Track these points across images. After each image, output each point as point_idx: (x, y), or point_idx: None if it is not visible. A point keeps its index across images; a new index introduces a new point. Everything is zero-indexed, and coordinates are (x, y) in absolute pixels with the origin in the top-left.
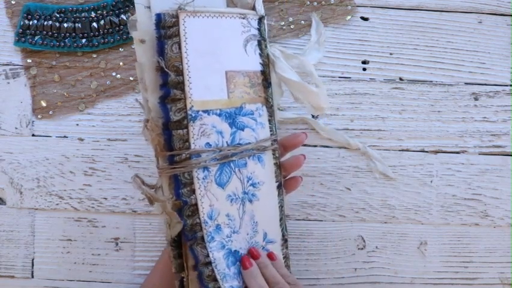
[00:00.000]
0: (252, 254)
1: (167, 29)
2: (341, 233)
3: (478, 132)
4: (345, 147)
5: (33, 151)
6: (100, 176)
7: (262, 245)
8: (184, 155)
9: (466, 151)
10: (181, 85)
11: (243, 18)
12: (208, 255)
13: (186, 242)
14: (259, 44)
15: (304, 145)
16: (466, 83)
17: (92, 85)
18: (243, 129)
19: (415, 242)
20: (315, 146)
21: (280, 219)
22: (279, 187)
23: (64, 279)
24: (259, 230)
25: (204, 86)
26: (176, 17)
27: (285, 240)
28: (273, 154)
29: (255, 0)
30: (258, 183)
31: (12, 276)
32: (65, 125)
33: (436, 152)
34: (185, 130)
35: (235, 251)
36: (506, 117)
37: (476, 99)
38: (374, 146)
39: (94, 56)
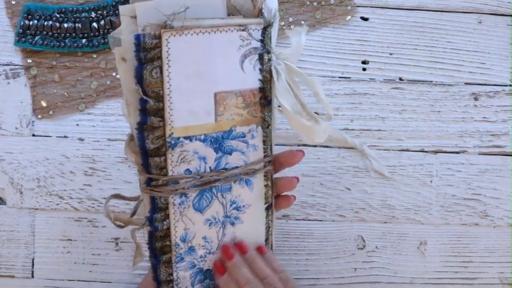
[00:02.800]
0: (239, 247)
1: (148, 52)
2: (341, 233)
3: (477, 132)
4: (345, 147)
5: (33, 151)
6: (100, 176)
7: None
8: (160, 181)
9: (465, 151)
10: (161, 112)
11: (243, 30)
12: (171, 274)
13: (153, 262)
14: (261, 57)
15: (304, 145)
16: (466, 83)
17: (92, 85)
18: (230, 154)
19: (415, 241)
20: (315, 146)
21: (266, 239)
22: (268, 208)
23: (64, 279)
24: None
25: (187, 111)
26: (159, 37)
27: None
28: (265, 176)
29: (262, 5)
30: (244, 206)
31: (13, 276)
32: (65, 125)
33: (436, 152)
34: (162, 158)
35: (208, 269)
36: (506, 117)
37: (476, 99)
38: (373, 146)
39: (94, 56)
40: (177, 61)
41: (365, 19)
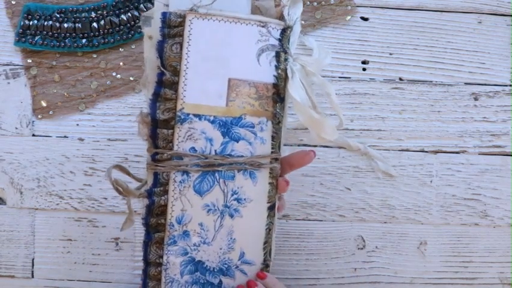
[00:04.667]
0: (249, 285)
1: (171, 28)
2: (341, 233)
3: (477, 132)
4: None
5: (33, 151)
6: (100, 176)
7: (236, 263)
8: (165, 155)
9: (465, 151)
10: (175, 85)
11: (263, 26)
12: (161, 257)
13: (145, 239)
14: (277, 55)
15: (304, 145)
16: (466, 83)
17: (92, 85)
18: (237, 141)
19: (415, 241)
20: (315, 146)
21: (265, 243)
22: (270, 208)
23: (64, 279)
24: (236, 248)
25: (200, 90)
26: (183, 17)
27: (266, 265)
28: (270, 173)
29: (284, 9)
30: (245, 199)
31: (13, 276)
32: (65, 125)
33: (436, 152)
34: (170, 131)
35: (200, 261)
36: (506, 117)
37: (476, 99)
38: (373, 146)
39: (94, 56)
40: (197, 41)
41: (365, 19)
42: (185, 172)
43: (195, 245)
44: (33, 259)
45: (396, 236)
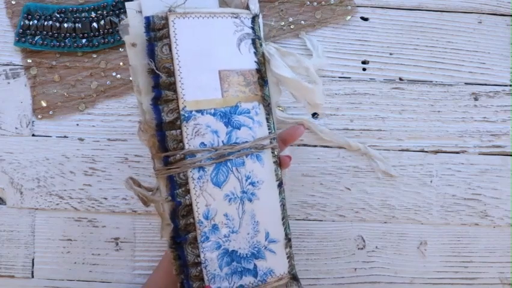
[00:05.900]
0: None
1: (157, 31)
2: (341, 233)
3: (477, 132)
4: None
5: (33, 151)
6: (100, 176)
7: (264, 244)
8: (178, 155)
9: (465, 151)
10: (173, 86)
11: (236, 17)
12: (198, 256)
13: (178, 241)
14: (254, 42)
15: (304, 145)
16: (466, 83)
17: (92, 85)
18: (239, 128)
19: (415, 241)
20: (315, 146)
21: (283, 218)
22: (279, 186)
23: (64, 279)
24: (261, 230)
25: (196, 86)
26: (166, 19)
27: (288, 240)
28: (272, 152)
29: (248, 1)
30: (258, 182)
31: (12, 276)
32: (65, 125)
33: (436, 152)
34: (178, 130)
35: (233, 251)
36: (506, 117)
37: (476, 99)
38: (373, 146)
39: (94, 56)
40: (183, 40)
41: (365, 19)
42: (201, 168)
43: (225, 236)
44: (33, 259)
45: (396, 236)
